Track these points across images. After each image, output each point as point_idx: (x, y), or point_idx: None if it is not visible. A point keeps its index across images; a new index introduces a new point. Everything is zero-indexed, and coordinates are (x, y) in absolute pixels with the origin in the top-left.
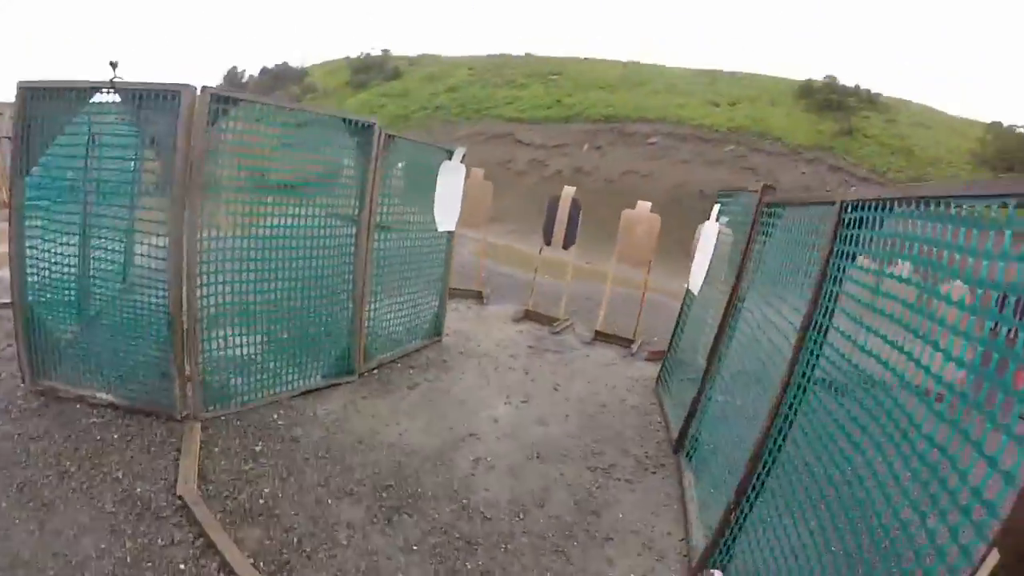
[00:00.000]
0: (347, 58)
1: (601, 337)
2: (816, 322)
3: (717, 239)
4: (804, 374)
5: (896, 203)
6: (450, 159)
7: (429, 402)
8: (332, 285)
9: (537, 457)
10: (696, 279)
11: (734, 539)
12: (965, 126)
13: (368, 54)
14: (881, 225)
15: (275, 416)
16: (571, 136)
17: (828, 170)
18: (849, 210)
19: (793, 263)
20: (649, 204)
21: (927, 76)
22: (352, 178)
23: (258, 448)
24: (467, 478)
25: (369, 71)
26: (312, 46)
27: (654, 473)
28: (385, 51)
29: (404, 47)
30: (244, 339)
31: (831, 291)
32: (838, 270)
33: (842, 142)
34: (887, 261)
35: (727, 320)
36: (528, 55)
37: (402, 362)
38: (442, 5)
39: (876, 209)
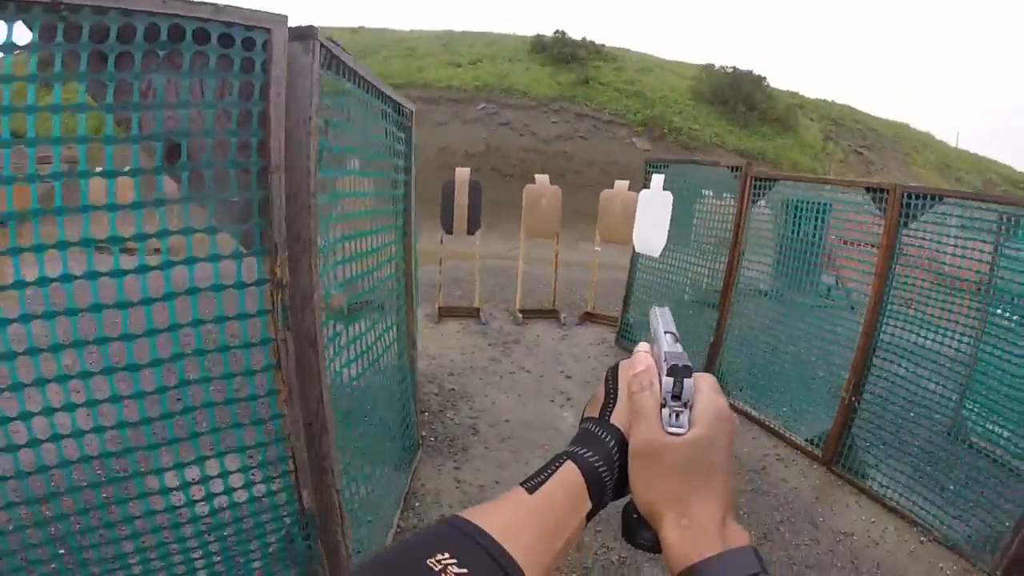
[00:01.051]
0: None
1: (528, 315)
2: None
3: (657, 205)
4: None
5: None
6: None
7: (511, 439)
8: (393, 329)
9: None
10: (654, 244)
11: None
12: (680, 68)
13: None
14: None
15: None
16: None
17: (576, 118)
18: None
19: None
20: (547, 176)
21: (640, 26)
22: (400, 178)
23: None
24: None
25: None
26: None
27: None
28: None
29: None
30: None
31: None
32: None
33: (582, 91)
34: None
35: (733, 271)
36: None
37: (424, 409)
38: None
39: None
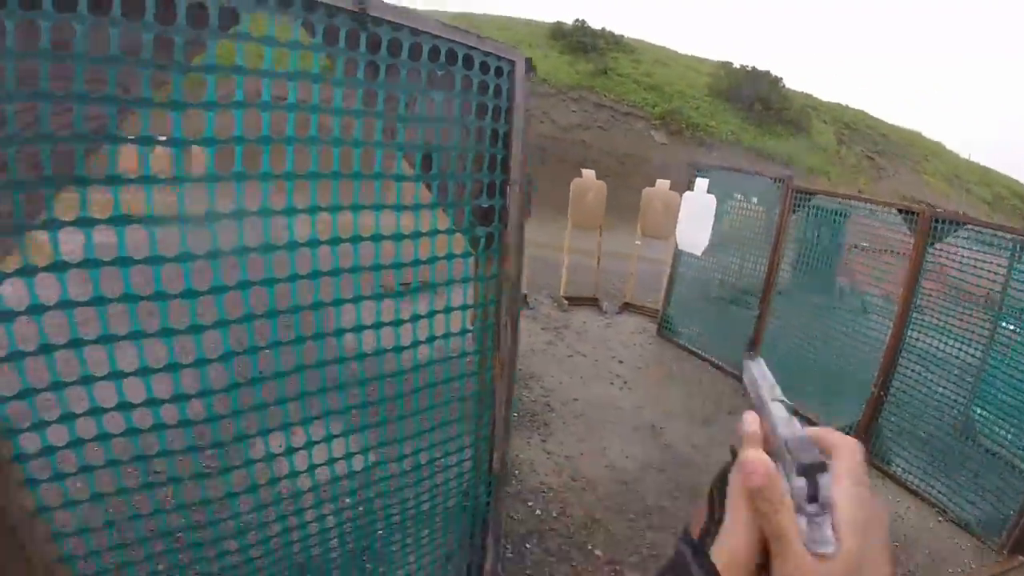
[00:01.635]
0: None
1: (574, 302)
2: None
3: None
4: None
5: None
6: None
7: (583, 416)
8: None
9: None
10: (696, 242)
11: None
12: (697, 63)
13: None
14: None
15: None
16: None
17: (594, 107)
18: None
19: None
20: (593, 172)
21: (656, 18)
22: None
23: None
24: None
25: None
26: None
27: None
28: None
29: None
30: None
31: None
32: None
33: (601, 81)
34: None
35: (773, 274)
36: None
37: None
38: None
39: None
